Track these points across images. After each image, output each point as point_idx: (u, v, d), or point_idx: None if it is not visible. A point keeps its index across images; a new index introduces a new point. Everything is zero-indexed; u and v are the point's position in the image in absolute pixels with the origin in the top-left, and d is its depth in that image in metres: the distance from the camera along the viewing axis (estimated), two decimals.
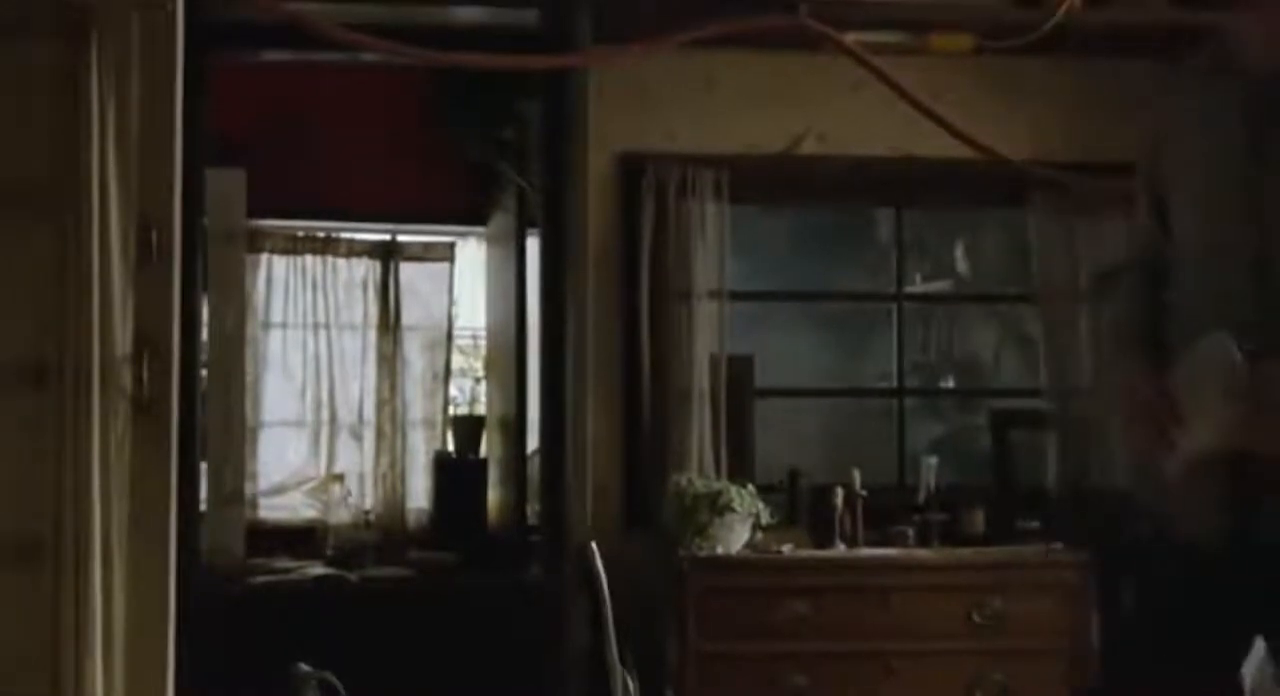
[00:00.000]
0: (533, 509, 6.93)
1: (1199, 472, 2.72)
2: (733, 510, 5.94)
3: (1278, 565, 2.72)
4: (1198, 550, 2.80)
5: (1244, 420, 2.62)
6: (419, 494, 7.82)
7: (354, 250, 7.93)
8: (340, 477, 7.72)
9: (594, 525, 6.02)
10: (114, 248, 3.90)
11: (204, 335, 6.61)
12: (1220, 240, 2.83)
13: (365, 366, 7.89)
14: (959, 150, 5.74)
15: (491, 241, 7.89)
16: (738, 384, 6.54)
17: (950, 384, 7.42)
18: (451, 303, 8.11)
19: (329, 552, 7.23)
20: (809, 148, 6.62)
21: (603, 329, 6.35)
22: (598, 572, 5.78)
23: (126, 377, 3.92)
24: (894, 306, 7.00)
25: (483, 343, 8.21)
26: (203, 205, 6.08)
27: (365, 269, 7.94)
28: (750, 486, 6.10)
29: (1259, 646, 2.75)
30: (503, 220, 7.59)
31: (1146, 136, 3.12)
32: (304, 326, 7.84)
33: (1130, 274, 3.18)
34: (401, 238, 7.98)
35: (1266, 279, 2.74)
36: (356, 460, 7.85)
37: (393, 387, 7.89)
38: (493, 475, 7.51)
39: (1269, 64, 2.80)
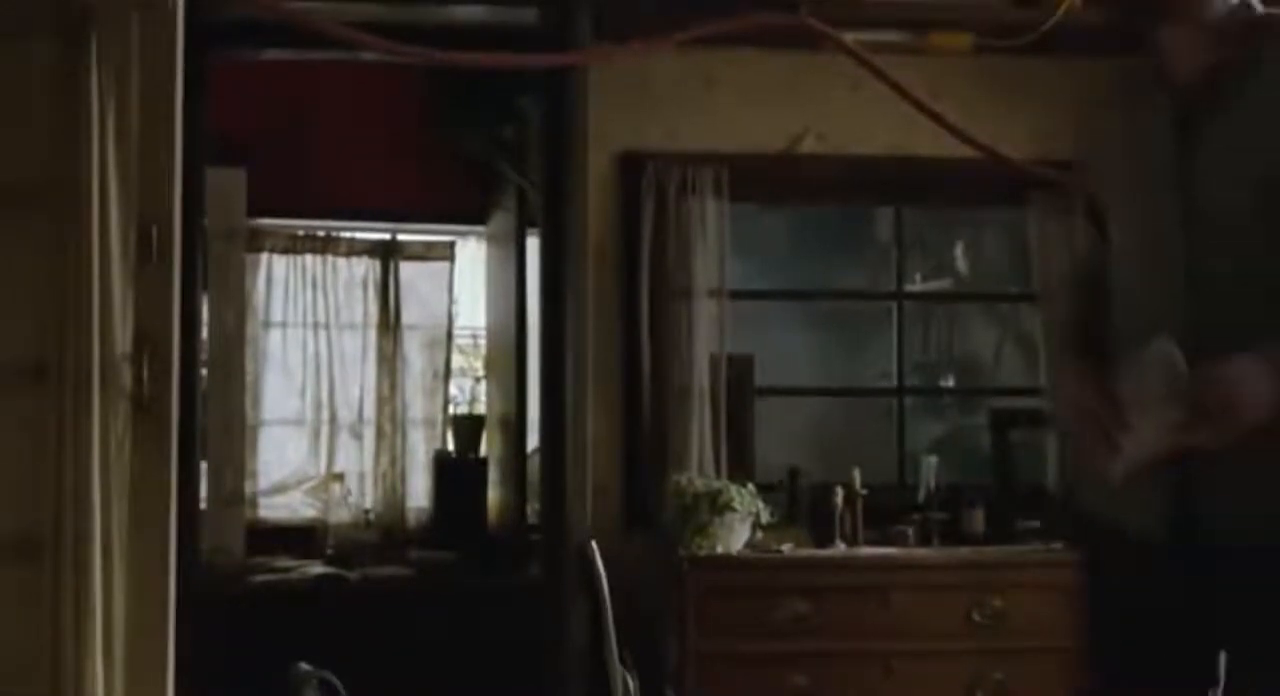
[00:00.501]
0: (533, 508, 6.94)
1: (1144, 474, 2.74)
2: (733, 509, 5.94)
3: (1216, 560, 2.75)
4: (1148, 547, 2.83)
5: (1186, 422, 2.63)
6: (419, 493, 7.83)
7: (354, 249, 7.94)
8: (340, 477, 7.73)
9: (594, 524, 6.02)
10: (114, 247, 3.90)
11: (204, 334, 6.62)
12: (1154, 246, 2.85)
13: (365, 366, 7.89)
14: (959, 149, 5.73)
15: (491, 240, 7.89)
16: (738, 383, 6.54)
17: (950, 383, 7.42)
18: (451, 302, 8.11)
19: (329, 552, 7.24)
20: (809, 146, 6.62)
21: (603, 328, 6.35)
22: (598, 572, 5.78)
23: (126, 377, 3.92)
24: (894, 305, 7.00)
25: (483, 342, 8.21)
26: (203, 204, 6.08)
27: (365, 268, 7.94)
28: (750, 485, 6.10)
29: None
30: (503, 219, 7.59)
31: (1082, 139, 3.16)
32: (304, 325, 7.85)
33: (1072, 280, 3.23)
34: (401, 237, 7.98)
35: (1198, 285, 2.76)
36: (356, 459, 7.85)
37: (393, 387, 7.89)
38: (493, 474, 7.52)
39: (1188, 77, 2.83)
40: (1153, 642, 2.86)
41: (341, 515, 7.60)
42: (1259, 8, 2.87)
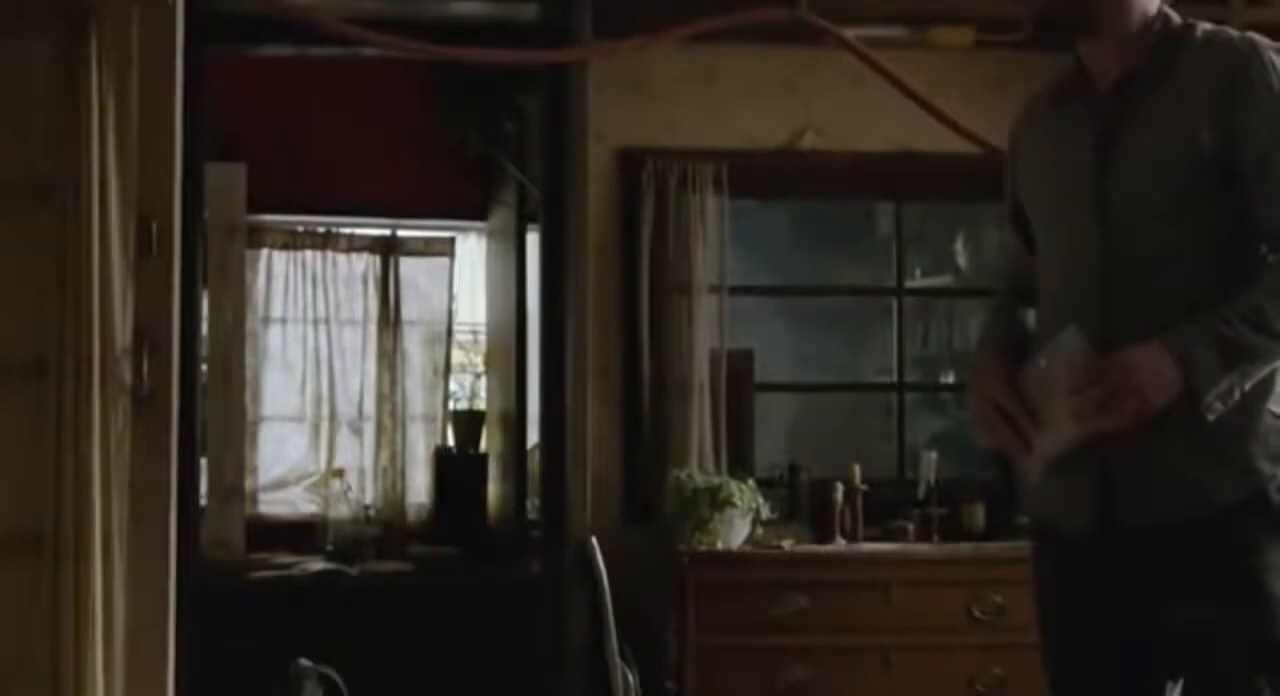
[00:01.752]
0: (533, 503, 6.93)
1: (1060, 465, 2.85)
2: (733, 505, 5.94)
3: (1139, 549, 2.82)
4: (1080, 543, 2.91)
5: (1094, 408, 2.72)
6: (419, 489, 7.83)
7: (354, 245, 7.93)
8: (340, 472, 7.73)
9: (594, 520, 6.02)
10: (114, 242, 3.90)
11: (204, 330, 6.61)
12: (1073, 251, 2.94)
13: (365, 361, 7.89)
14: (959, 144, 5.73)
15: (491, 236, 7.89)
16: (738, 378, 6.55)
17: (950, 378, 7.41)
18: (451, 298, 8.11)
19: (329, 547, 7.24)
20: (809, 142, 6.62)
21: (602, 324, 6.35)
22: (598, 567, 5.78)
23: (126, 372, 3.92)
24: (894, 300, 7.00)
25: (483, 337, 8.21)
26: (203, 200, 6.08)
27: (365, 264, 7.94)
28: (750, 481, 6.10)
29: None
30: (502, 215, 7.59)
31: (1011, 149, 3.24)
32: (304, 321, 7.84)
33: (998, 285, 3.32)
34: (401, 233, 7.98)
35: (1109, 283, 2.86)
36: (356, 455, 7.85)
37: (393, 383, 7.89)
38: (493, 470, 7.52)
39: (1105, 87, 2.96)
40: (1098, 635, 2.93)
41: (342, 511, 7.60)
42: (1176, 20, 2.96)
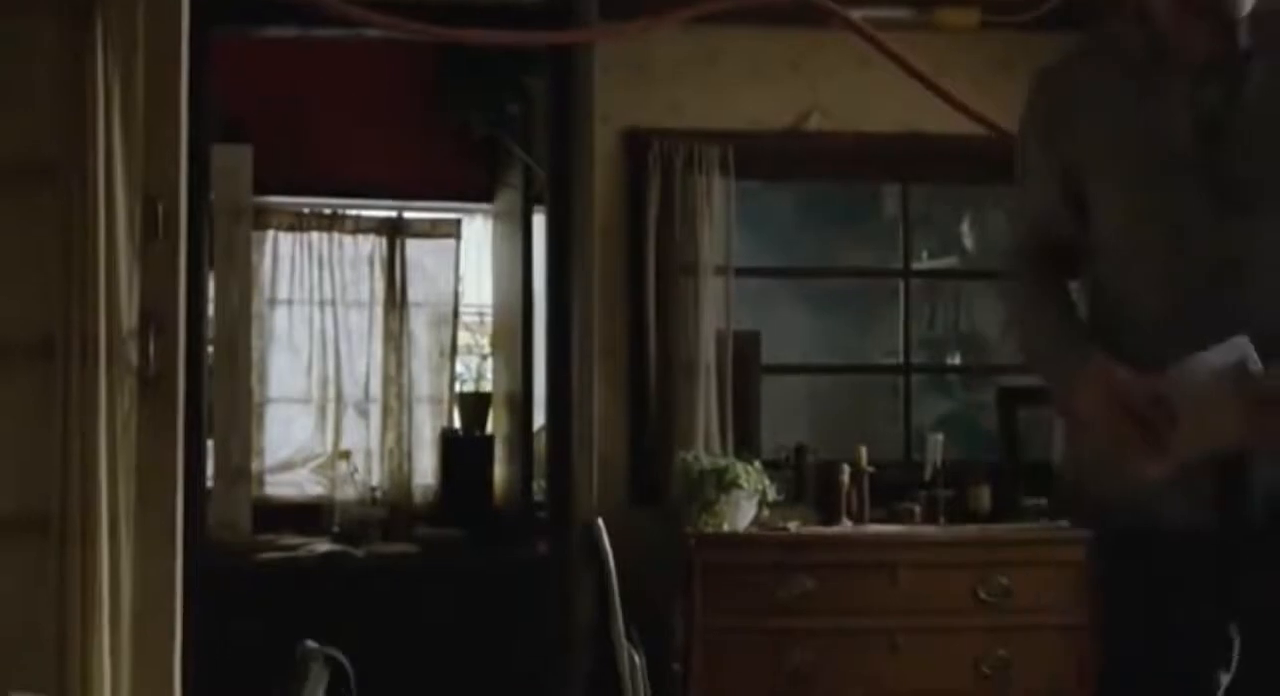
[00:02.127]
0: (539, 485, 6.93)
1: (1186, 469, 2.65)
2: (739, 486, 5.94)
3: (1264, 548, 2.70)
4: (1183, 537, 2.74)
5: (1253, 423, 2.57)
6: (425, 470, 7.82)
7: (360, 227, 7.92)
8: (347, 454, 7.72)
9: (600, 501, 6.03)
10: (120, 224, 3.90)
11: (210, 311, 6.61)
12: (1175, 233, 2.75)
13: (371, 343, 7.88)
14: (965, 126, 5.73)
15: (497, 218, 7.88)
16: (744, 360, 6.55)
17: (957, 360, 7.41)
18: (458, 279, 8.10)
19: (335, 529, 7.23)
20: (815, 123, 6.62)
21: (608, 305, 6.35)
22: (604, 549, 5.78)
23: (133, 354, 3.93)
24: (900, 282, 7.00)
25: (489, 319, 8.20)
26: (209, 182, 6.07)
27: (371, 246, 7.93)
28: (756, 463, 6.10)
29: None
30: (509, 197, 7.58)
31: (1042, 106, 3.03)
32: (310, 303, 7.83)
33: (1024, 259, 3.09)
34: (408, 214, 7.97)
35: (1181, 248, 2.73)
36: (363, 437, 7.84)
37: (399, 364, 7.88)
38: (499, 451, 7.52)
39: (1205, 59, 2.77)
40: (1172, 630, 2.80)
41: (348, 492, 7.59)
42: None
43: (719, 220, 6.47)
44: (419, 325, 7.93)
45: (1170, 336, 2.70)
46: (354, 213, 7.91)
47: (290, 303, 7.81)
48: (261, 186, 7.35)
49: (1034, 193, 3.07)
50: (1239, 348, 2.58)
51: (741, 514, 5.98)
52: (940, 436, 6.48)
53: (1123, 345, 2.76)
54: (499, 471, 7.47)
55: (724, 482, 5.94)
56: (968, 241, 7.32)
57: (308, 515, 7.44)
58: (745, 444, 6.40)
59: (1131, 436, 2.62)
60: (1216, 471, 2.67)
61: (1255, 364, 2.56)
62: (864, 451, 6.27)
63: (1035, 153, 3.05)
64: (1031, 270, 3.06)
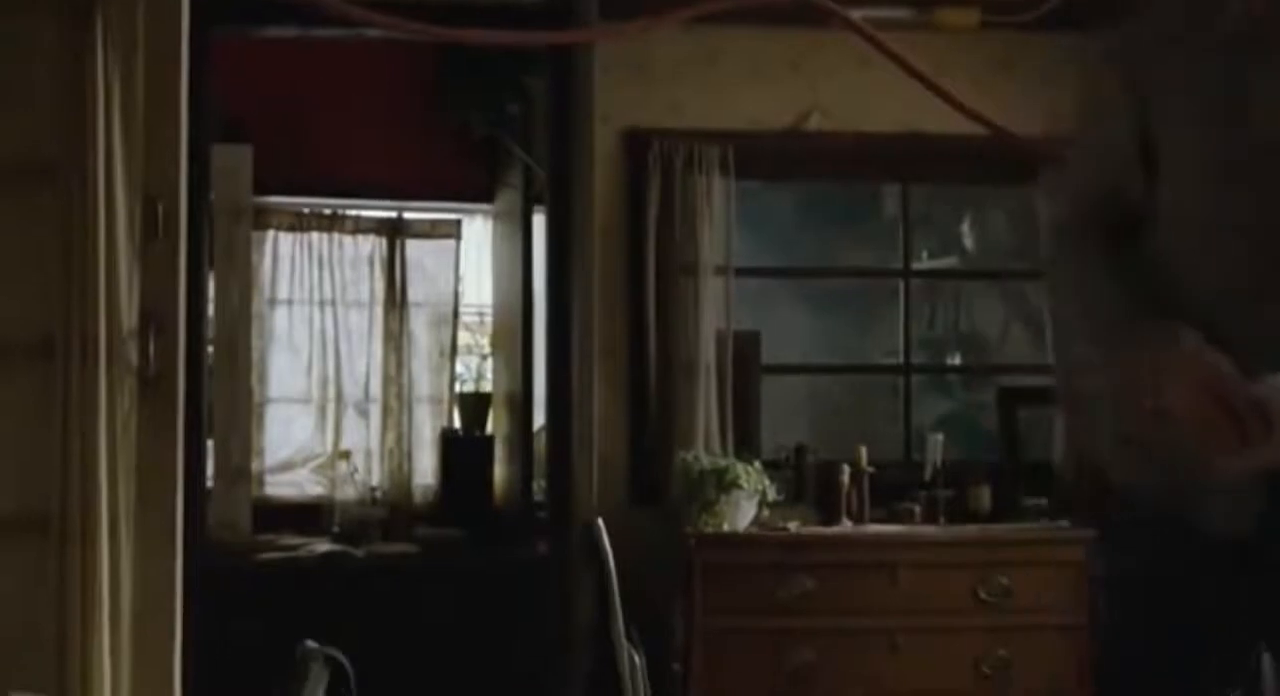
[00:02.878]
0: (539, 485, 6.93)
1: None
2: (739, 486, 5.94)
3: None
4: (1218, 540, 2.56)
5: None
6: (425, 470, 7.82)
7: (360, 227, 7.92)
8: (347, 454, 7.72)
9: (600, 501, 6.03)
10: (120, 224, 3.90)
11: (210, 311, 6.61)
12: (1218, 173, 2.53)
13: (372, 343, 7.88)
14: (965, 126, 5.72)
15: (498, 218, 7.88)
16: (744, 360, 6.55)
17: (957, 360, 7.41)
18: (458, 279, 8.10)
19: (335, 529, 7.23)
20: (815, 123, 6.62)
21: (609, 305, 6.35)
22: (604, 549, 5.78)
23: (133, 353, 3.92)
24: (900, 282, 7.00)
25: (489, 319, 8.20)
26: (209, 182, 6.07)
27: (371, 246, 7.92)
28: (756, 463, 6.11)
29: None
30: (509, 197, 7.58)
31: (1132, 35, 2.74)
32: (310, 303, 7.83)
33: (1079, 228, 2.74)
34: (408, 215, 7.96)
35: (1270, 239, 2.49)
36: (363, 437, 7.84)
37: (399, 364, 7.88)
38: (499, 451, 7.51)
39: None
40: (1182, 635, 2.65)
41: (348, 492, 7.59)
42: None
43: (719, 220, 6.47)
44: (419, 325, 7.93)
45: (1242, 318, 2.50)
46: (354, 213, 7.91)
47: (290, 303, 7.81)
48: (261, 186, 7.35)
49: (1105, 134, 2.72)
50: None
51: (741, 514, 5.98)
52: (940, 436, 6.48)
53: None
54: (499, 471, 7.47)
55: (724, 482, 5.94)
56: (968, 241, 7.32)
57: (308, 515, 7.44)
58: (745, 444, 6.40)
59: (1222, 430, 2.35)
60: (1270, 478, 2.45)
61: None
62: (864, 451, 6.27)
63: (1113, 86, 2.69)
64: (1090, 240, 2.72)
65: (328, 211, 7.86)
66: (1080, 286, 2.68)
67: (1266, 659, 2.72)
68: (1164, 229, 2.63)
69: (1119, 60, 2.70)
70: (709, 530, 5.91)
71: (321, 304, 7.83)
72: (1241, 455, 2.35)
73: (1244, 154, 2.52)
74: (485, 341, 8.29)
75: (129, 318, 3.92)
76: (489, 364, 8.17)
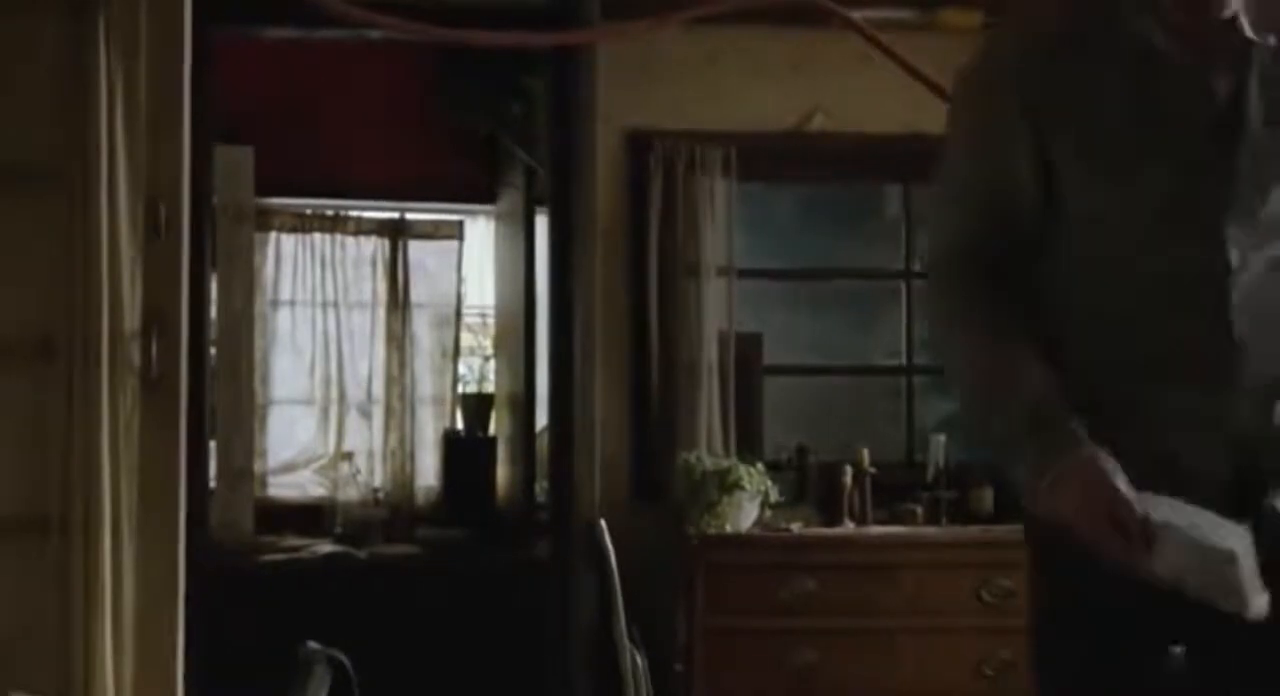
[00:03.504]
0: (541, 486, 6.94)
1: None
2: (741, 488, 5.94)
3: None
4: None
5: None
6: (428, 471, 7.83)
7: (362, 228, 7.93)
8: (349, 455, 7.73)
9: (602, 502, 6.02)
10: (122, 224, 3.90)
11: (213, 313, 6.61)
12: (1181, 216, 2.47)
13: (374, 344, 7.90)
14: None
15: (500, 219, 7.89)
16: (746, 361, 6.54)
17: None
18: (460, 280, 8.11)
19: (338, 530, 7.25)
20: (817, 124, 6.61)
21: (611, 306, 6.34)
22: (606, 549, 5.78)
23: (135, 354, 3.92)
24: (903, 283, 6.99)
25: (491, 320, 8.22)
26: (211, 182, 6.08)
27: (374, 247, 7.94)
28: (759, 464, 6.10)
29: None
30: (511, 198, 7.59)
31: (1012, 47, 2.67)
32: (313, 304, 7.85)
33: (966, 261, 2.62)
34: (410, 216, 7.98)
35: (1174, 235, 2.47)
36: (365, 438, 7.86)
37: (401, 365, 7.90)
38: (501, 452, 7.52)
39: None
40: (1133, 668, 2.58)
41: (350, 494, 7.60)
42: None
43: (721, 221, 6.46)
44: (421, 326, 7.95)
45: (1154, 334, 2.49)
46: (356, 214, 7.93)
47: (293, 304, 7.83)
48: (264, 187, 7.37)
49: (991, 153, 2.63)
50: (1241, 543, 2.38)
51: (744, 515, 5.98)
52: (942, 437, 6.47)
53: (1107, 314, 2.53)
54: (501, 472, 7.48)
55: (726, 483, 5.94)
56: None
57: (310, 516, 7.46)
58: (747, 445, 6.40)
59: (1109, 542, 2.38)
60: (1224, 498, 2.45)
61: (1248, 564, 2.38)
62: (866, 452, 6.27)
63: (997, 104, 2.62)
64: (978, 279, 2.61)
65: (330, 212, 7.88)
66: (975, 349, 2.60)
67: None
68: (1072, 247, 2.57)
69: (1009, 66, 2.63)
70: (711, 531, 5.91)
71: (324, 305, 7.84)
72: (1126, 565, 2.37)
73: (1150, 160, 2.50)
74: (487, 342, 8.30)
75: (131, 319, 3.92)
76: (491, 365, 8.18)
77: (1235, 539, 2.38)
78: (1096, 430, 2.44)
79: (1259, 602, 2.37)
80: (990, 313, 2.58)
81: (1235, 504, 2.46)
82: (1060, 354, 2.53)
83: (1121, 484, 2.38)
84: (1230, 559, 2.36)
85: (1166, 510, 2.39)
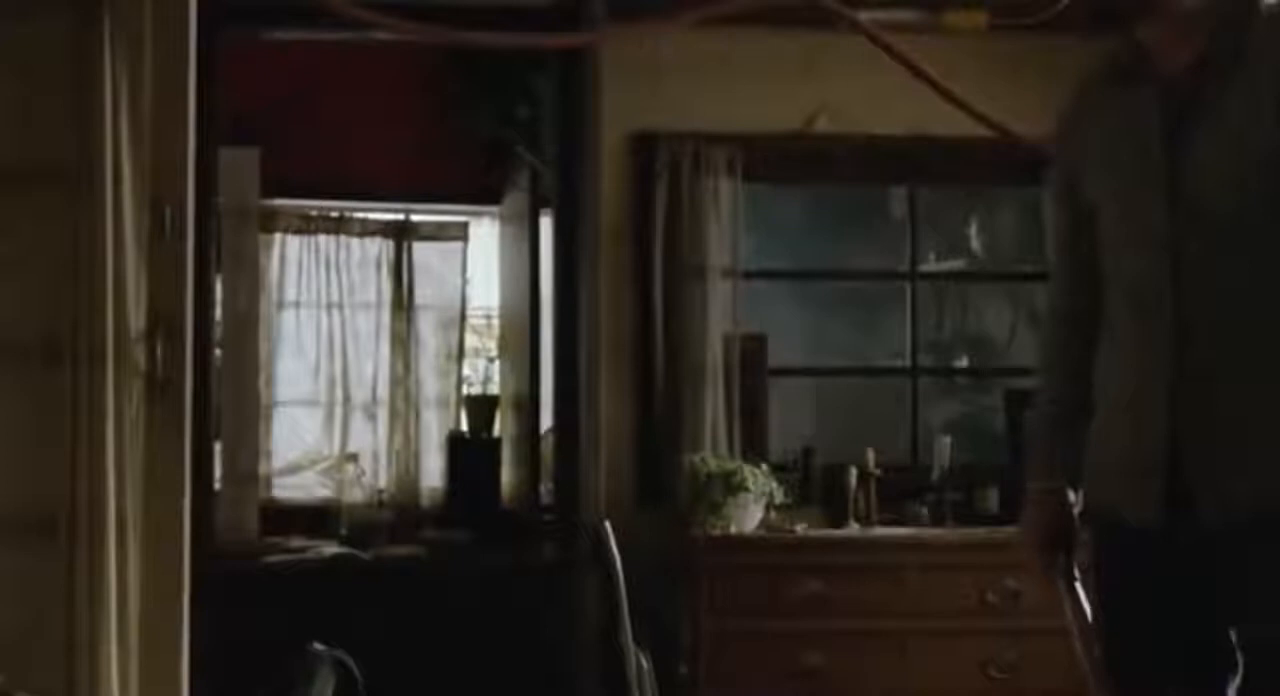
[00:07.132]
0: (546, 487, 6.94)
1: (1131, 457, 2.93)
2: (746, 489, 5.94)
3: (1214, 537, 2.80)
4: (1148, 534, 2.92)
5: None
6: (433, 473, 7.84)
7: (367, 229, 7.94)
8: (354, 457, 7.74)
9: (607, 504, 6.02)
10: (127, 226, 3.91)
11: (218, 314, 6.62)
12: (1142, 238, 2.88)
13: (379, 346, 7.90)
14: (973, 128, 5.71)
15: (505, 220, 7.89)
16: (751, 362, 6.54)
17: (964, 363, 7.40)
18: (465, 282, 8.11)
19: (343, 532, 7.24)
20: (823, 126, 6.61)
21: (616, 307, 6.34)
22: (611, 551, 5.78)
23: (140, 356, 3.93)
24: (908, 285, 6.99)
25: (496, 322, 8.21)
26: (216, 184, 6.08)
27: (379, 248, 7.95)
28: (764, 465, 6.10)
29: None
30: (516, 199, 7.58)
31: (1057, 120, 3.20)
32: (318, 305, 7.85)
33: (1058, 320, 3.26)
34: (415, 217, 7.99)
35: (1190, 278, 2.81)
36: (370, 439, 7.86)
37: (406, 367, 7.90)
38: (506, 454, 7.52)
39: (1173, 71, 2.85)
40: (1161, 628, 2.97)
41: (355, 495, 7.61)
42: None
43: (726, 222, 6.46)
44: (426, 328, 7.95)
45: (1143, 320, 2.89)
46: (361, 215, 7.93)
47: (298, 305, 7.83)
48: (269, 189, 7.37)
49: (1061, 245, 3.20)
50: None
51: (749, 516, 5.98)
52: (948, 439, 6.47)
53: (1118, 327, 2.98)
54: (506, 474, 7.48)
55: (731, 485, 5.94)
56: (975, 244, 7.31)
57: (315, 517, 7.46)
58: (753, 446, 6.39)
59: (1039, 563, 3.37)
60: (1165, 476, 2.84)
61: None
62: (871, 454, 6.26)
63: (1058, 199, 3.19)
64: (1065, 335, 3.19)
65: (335, 213, 7.88)
66: (1047, 367, 3.30)
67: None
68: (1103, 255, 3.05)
69: (1056, 138, 3.21)
70: (716, 532, 5.91)
71: (329, 306, 7.85)
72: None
73: (1124, 178, 2.96)
74: (492, 344, 8.30)
75: (137, 320, 3.93)
76: (496, 366, 8.18)
77: None
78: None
79: None
80: (1063, 357, 3.20)
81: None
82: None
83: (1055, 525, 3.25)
84: None
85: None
